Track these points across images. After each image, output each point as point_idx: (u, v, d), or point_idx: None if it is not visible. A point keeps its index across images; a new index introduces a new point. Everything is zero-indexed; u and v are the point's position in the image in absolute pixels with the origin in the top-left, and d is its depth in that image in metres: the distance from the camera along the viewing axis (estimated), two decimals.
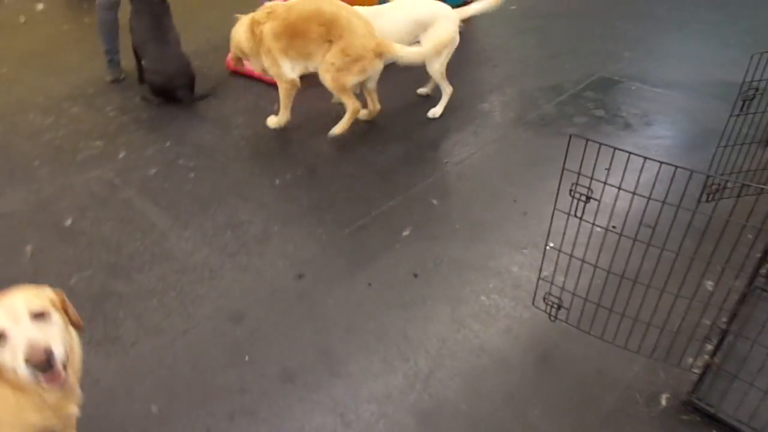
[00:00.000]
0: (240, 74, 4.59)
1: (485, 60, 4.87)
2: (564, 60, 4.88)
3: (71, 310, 1.55)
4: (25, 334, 1.36)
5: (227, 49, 4.71)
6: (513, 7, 5.89)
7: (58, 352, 1.39)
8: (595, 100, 4.27)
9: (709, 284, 2.73)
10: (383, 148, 3.70)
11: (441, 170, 3.49)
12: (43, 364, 1.33)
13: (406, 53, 3.51)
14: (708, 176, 3.08)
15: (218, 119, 4.00)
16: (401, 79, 4.16)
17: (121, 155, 3.60)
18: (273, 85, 4.32)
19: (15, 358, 1.35)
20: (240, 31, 3.54)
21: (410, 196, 3.26)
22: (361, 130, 3.91)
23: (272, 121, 3.85)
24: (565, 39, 5.27)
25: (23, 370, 1.35)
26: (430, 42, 3.61)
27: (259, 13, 3.47)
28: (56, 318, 1.44)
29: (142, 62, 4.16)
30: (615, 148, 1.95)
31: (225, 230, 3.00)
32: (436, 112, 4.06)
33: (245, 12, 3.63)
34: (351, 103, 3.61)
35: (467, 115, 4.10)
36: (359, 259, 2.82)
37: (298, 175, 3.43)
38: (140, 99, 4.17)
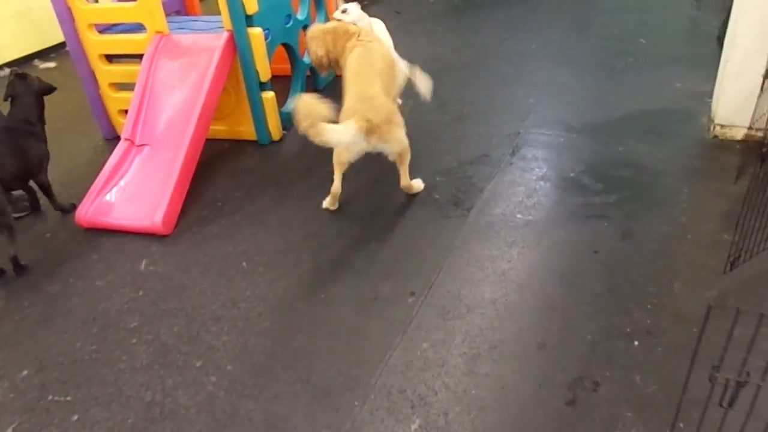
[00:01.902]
0: (99, 230, 3.48)
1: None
2: (474, 122, 4.35)
3: None
4: None
5: (77, 191, 3.64)
6: None
7: None
8: (535, 165, 3.74)
9: None
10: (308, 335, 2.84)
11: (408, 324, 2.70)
12: None
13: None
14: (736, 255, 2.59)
15: (90, 310, 2.90)
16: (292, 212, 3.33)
17: None
18: (150, 237, 3.30)
19: None
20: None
21: (384, 385, 2.43)
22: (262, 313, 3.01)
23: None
24: (460, 96, 4.77)
25: None
26: None
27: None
28: None
29: None
30: None
31: None
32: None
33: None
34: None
35: (404, 224, 3.35)
36: None
37: (232, 377, 2.47)
38: None
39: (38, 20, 6.44)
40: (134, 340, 2.68)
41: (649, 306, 2.62)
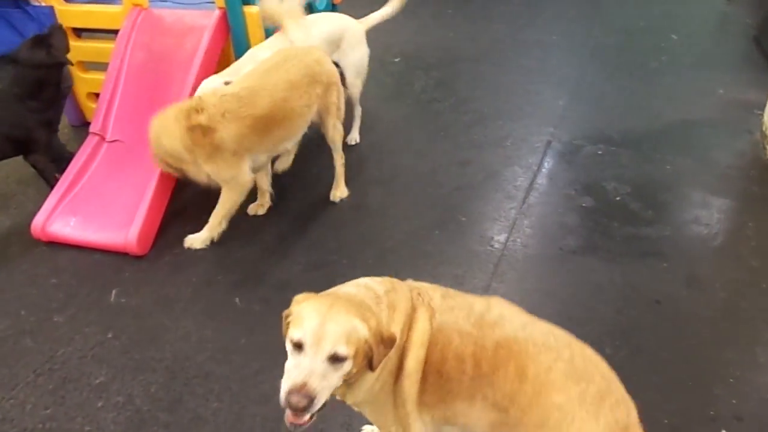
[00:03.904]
0: (60, 244, 2.91)
1: (393, 151, 3.66)
2: (497, 125, 3.84)
3: (377, 355, 1.37)
4: (311, 370, 1.31)
5: (36, 192, 3.09)
6: (397, 60, 4.77)
7: (317, 404, 1.31)
8: (574, 184, 3.25)
9: None
10: None
11: None
12: (297, 409, 1.29)
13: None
14: None
15: (46, 356, 2.39)
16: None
17: None
18: (122, 257, 2.76)
19: (286, 378, 1.32)
20: (173, 137, 2.59)
21: None
22: None
23: (197, 240, 2.85)
24: (479, 93, 4.24)
25: (282, 392, 1.31)
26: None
27: (202, 117, 2.55)
28: (346, 366, 1.34)
29: None
30: None
31: None
32: (354, 137, 3.62)
33: None
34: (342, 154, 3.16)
35: (428, 254, 2.85)
36: None
37: None
38: None
39: None
40: (100, 404, 2.15)
41: (731, 380, 2.18)
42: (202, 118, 2.55)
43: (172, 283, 2.68)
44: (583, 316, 2.46)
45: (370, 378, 1.46)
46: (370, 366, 1.39)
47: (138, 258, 2.82)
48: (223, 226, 2.85)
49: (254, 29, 3.36)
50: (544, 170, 3.36)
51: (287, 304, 2.42)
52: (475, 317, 1.50)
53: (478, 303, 1.55)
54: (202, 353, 2.34)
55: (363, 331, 1.35)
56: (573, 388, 1.38)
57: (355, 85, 3.51)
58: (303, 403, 1.28)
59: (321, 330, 1.32)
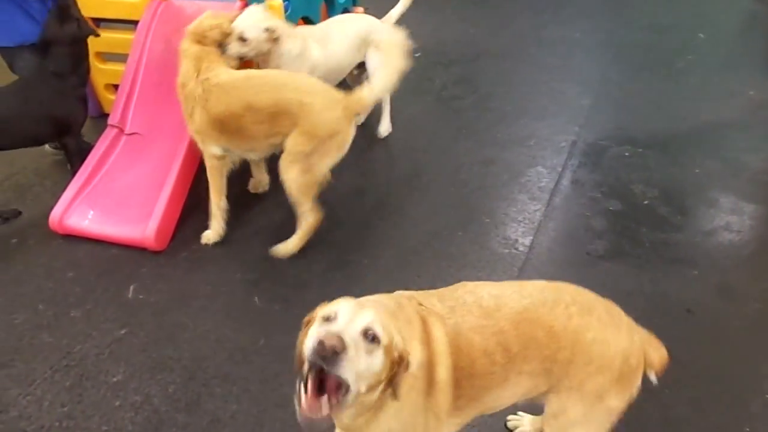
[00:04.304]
0: (77, 238, 2.87)
1: (414, 148, 3.59)
2: (521, 124, 3.76)
3: (399, 378, 1.25)
4: (345, 330, 1.16)
5: (53, 184, 3.08)
6: (417, 54, 4.67)
7: (348, 381, 1.14)
8: (601, 186, 3.17)
9: None
10: None
11: None
12: (326, 355, 1.10)
13: (378, 93, 2.63)
14: None
15: (63, 352, 2.36)
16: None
17: None
18: (140, 252, 2.71)
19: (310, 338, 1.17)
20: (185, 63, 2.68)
21: None
22: None
23: (211, 235, 2.81)
24: (501, 91, 4.16)
25: (307, 348, 1.15)
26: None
27: (189, 84, 2.62)
28: (379, 357, 1.20)
29: None
30: None
31: None
32: (385, 129, 3.57)
33: None
34: (312, 212, 2.65)
35: (450, 255, 2.79)
36: None
37: None
38: None
39: None
40: (118, 403, 2.11)
41: (767, 395, 2.10)
42: (189, 86, 2.60)
43: (190, 280, 2.63)
44: None
45: (394, 406, 1.36)
46: (394, 393, 1.28)
47: (156, 253, 2.77)
48: (222, 206, 2.79)
49: None
50: (569, 171, 3.28)
51: (307, 304, 2.37)
52: (477, 308, 1.49)
53: (464, 294, 1.54)
54: (220, 353, 2.29)
55: (397, 337, 1.26)
56: (591, 319, 1.49)
57: None
58: (335, 343, 1.10)
59: (355, 312, 1.21)
